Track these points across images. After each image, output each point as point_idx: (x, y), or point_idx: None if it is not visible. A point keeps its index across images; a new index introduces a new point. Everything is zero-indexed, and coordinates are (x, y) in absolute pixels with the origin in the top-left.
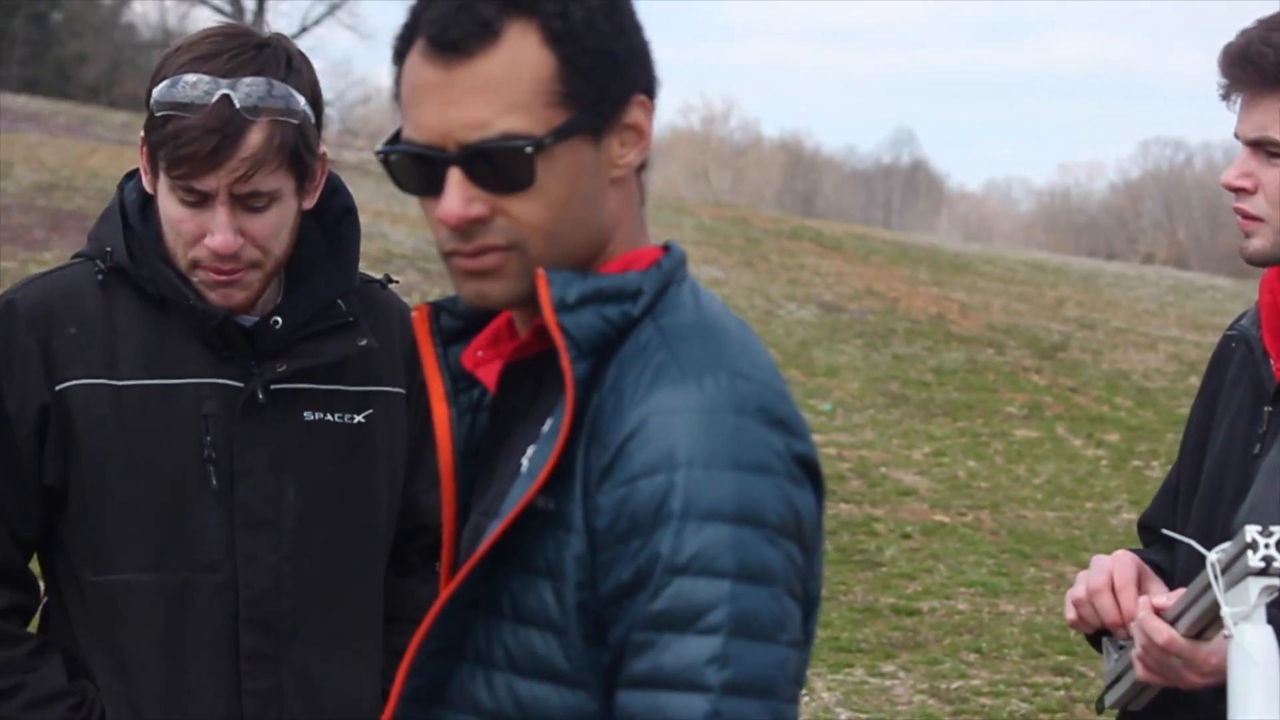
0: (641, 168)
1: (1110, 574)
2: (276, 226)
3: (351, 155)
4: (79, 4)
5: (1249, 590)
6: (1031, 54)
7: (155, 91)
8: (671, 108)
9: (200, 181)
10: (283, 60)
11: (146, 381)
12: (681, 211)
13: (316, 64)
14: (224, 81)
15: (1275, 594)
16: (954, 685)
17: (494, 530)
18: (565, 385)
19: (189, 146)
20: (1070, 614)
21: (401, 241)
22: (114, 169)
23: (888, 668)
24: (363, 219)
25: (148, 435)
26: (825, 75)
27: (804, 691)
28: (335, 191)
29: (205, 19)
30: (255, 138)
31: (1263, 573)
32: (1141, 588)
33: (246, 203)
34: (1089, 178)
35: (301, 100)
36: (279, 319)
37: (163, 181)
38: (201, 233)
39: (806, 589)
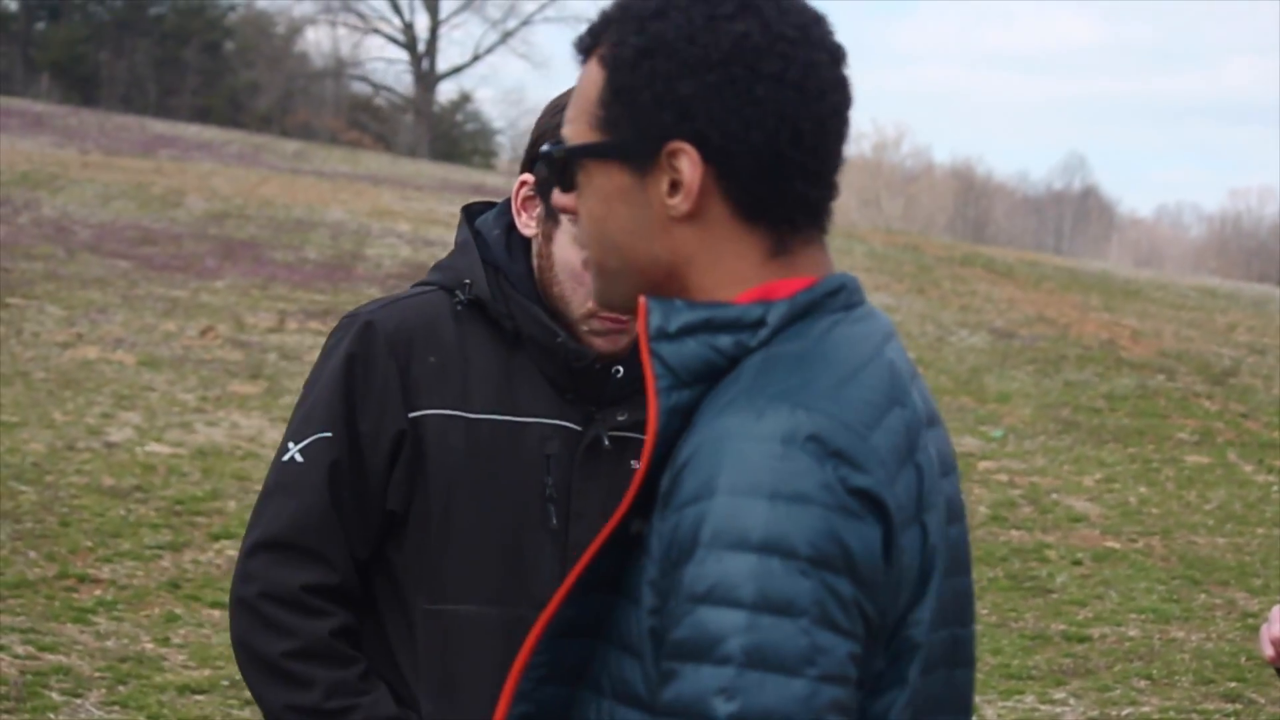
0: (800, 209)
1: None
2: None
3: None
4: (252, 33)
5: None
6: (1202, 79)
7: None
8: None
9: None
10: None
11: (498, 417)
12: (853, 238)
13: (488, 93)
14: None
15: None
16: (1124, 712)
17: (584, 556)
18: (649, 413)
19: None
20: (1269, 651)
21: None
22: (286, 197)
23: (1058, 694)
24: None
25: (495, 470)
26: (997, 102)
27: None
28: None
29: (378, 47)
30: None
31: None
32: None
33: None
34: (1260, 203)
35: None
36: (621, 369)
37: (567, 229)
38: None
39: (888, 627)
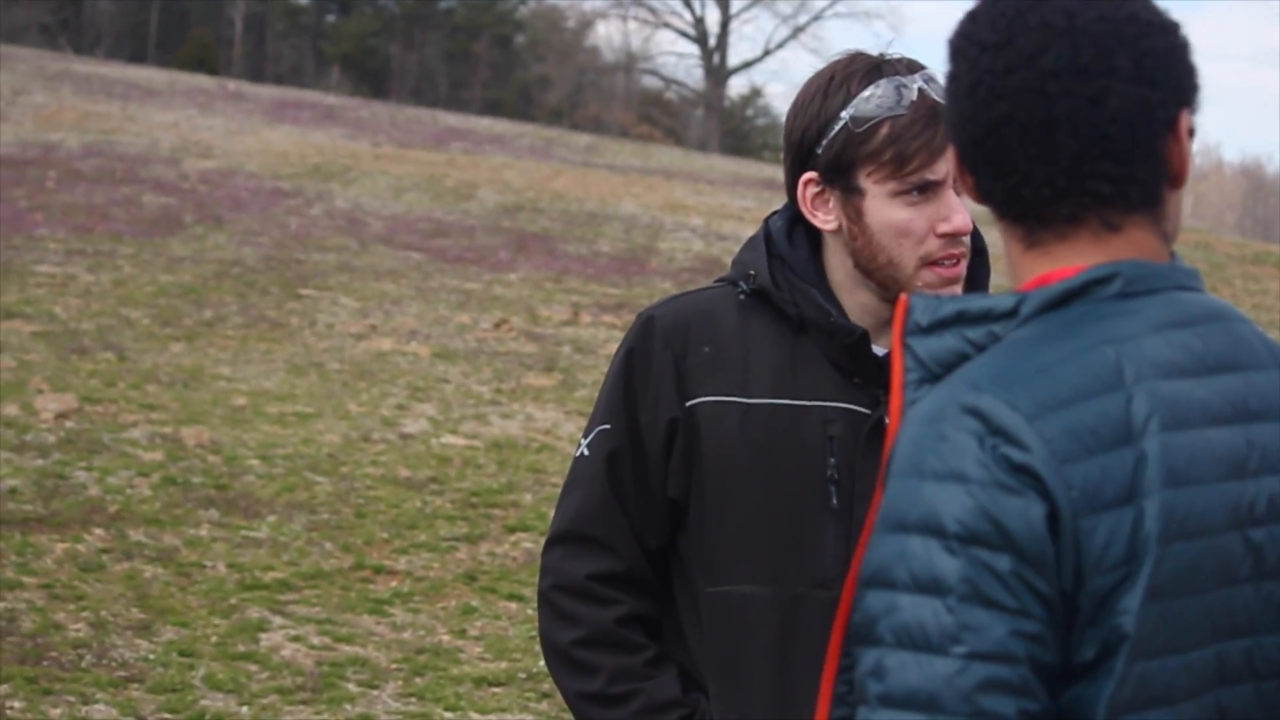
0: (1033, 207)
1: None
2: (971, 218)
3: None
4: (543, 27)
5: None
6: None
7: (845, 113)
8: None
9: (933, 170)
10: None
11: (776, 401)
12: None
13: (778, 88)
14: (911, 78)
15: None
16: None
17: (856, 552)
18: (892, 405)
19: (919, 138)
20: None
21: None
22: (578, 190)
23: None
24: None
25: (773, 453)
26: None
27: None
28: (973, 233)
29: (669, 42)
30: None
31: None
32: None
33: (956, 189)
34: None
35: None
36: None
37: (876, 194)
38: (930, 226)
39: (1084, 609)
